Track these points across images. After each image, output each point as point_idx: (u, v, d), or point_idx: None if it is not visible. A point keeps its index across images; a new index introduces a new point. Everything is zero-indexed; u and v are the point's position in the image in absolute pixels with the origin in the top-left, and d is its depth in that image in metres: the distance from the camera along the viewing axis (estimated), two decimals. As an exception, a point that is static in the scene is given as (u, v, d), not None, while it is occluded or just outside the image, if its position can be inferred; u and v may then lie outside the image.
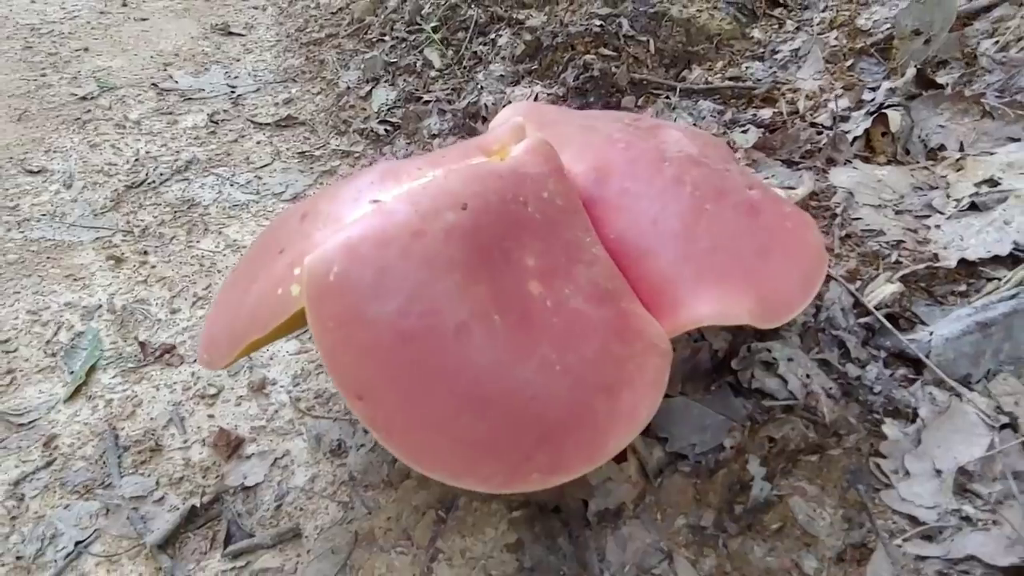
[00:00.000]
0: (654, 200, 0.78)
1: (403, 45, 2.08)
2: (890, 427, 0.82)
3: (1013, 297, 0.86)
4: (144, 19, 2.82)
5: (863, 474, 0.80)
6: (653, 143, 0.84)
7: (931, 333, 0.88)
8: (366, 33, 2.28)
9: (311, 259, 0.62)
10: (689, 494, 0.85)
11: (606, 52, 1.54)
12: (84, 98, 2.11)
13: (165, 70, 2.30)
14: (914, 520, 0.75)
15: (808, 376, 0.88)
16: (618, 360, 0.68)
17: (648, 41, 1.56)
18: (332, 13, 2.64)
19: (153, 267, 1.39)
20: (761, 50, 1.61)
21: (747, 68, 1.55)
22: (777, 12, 1.71)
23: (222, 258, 1.42)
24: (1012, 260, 0.94)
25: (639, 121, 0.93)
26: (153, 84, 2.19)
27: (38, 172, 1.72)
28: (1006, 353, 0.84)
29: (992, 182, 1.04)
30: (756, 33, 1.65)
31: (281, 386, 1.11)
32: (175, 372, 1.14)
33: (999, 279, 0.92)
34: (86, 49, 2.48)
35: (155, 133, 1.90)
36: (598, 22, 1.55)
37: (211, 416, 1.07)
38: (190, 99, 2.11)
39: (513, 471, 0.62)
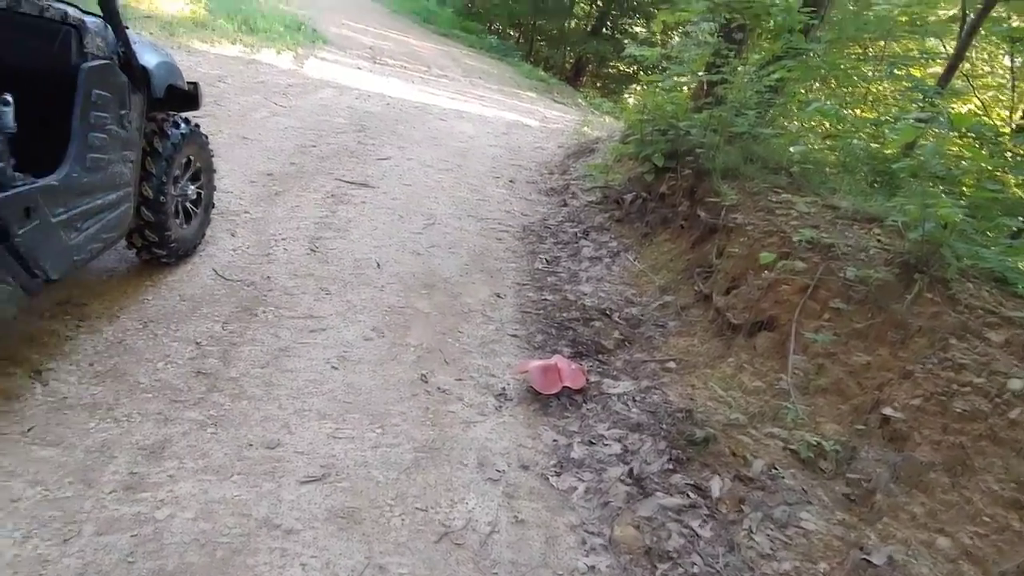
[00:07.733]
0: (564, 368, 7.48)
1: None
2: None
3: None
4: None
5: (582, 400, 7.38)
6: (566, 360, 7.55)
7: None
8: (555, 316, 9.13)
9: (529, 366, 7.39)
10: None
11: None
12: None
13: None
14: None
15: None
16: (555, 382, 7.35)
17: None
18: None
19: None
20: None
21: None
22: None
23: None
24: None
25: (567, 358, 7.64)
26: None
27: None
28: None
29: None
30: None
31: (510, 382, 7.78)
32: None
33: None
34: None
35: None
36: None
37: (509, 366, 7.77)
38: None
39: (550, 389, 7.31)
